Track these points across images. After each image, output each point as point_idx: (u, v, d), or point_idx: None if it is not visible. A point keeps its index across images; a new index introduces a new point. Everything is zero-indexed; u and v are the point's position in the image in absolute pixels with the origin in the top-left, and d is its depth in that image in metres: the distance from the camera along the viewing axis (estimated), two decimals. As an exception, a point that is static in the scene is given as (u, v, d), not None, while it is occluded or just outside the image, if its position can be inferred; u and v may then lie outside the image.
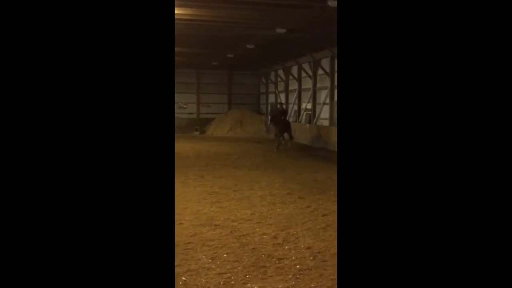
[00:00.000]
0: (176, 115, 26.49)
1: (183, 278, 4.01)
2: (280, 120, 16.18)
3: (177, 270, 4.20)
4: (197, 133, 24.74)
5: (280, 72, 23.34)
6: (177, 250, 4.81)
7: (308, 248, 4.93)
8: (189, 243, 5.07)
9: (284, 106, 17.96)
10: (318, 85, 19.17)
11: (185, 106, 26.54)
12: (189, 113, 26.55)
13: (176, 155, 13.55)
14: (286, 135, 16.19)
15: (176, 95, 26.29)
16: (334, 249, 4.78)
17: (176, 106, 26.62)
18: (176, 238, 5.21)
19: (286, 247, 4.96)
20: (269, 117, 16.67)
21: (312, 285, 3.92)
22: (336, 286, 3.70)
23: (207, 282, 3.95)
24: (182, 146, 16.84)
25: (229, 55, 19.24)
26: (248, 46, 16.00)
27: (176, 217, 6.24)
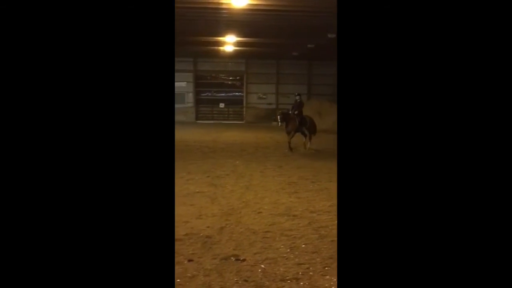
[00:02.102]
0: (255, 105, 26.83)
1: (262, 266, 4.07)
2: (292, 116, 13.25)
3: (255, 257, 4.27)
4: (276, 123, 24.85)
5: (362, 62, 22.72)
6: (256, 238, 4.89)
7: (389, 243, 4.78)
8: (267, 232, 5.12)
9: (301, 98, 14.04)
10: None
11: (264, 96, 26.77)
12: (268, 103, 26.74)
13: (255, 145, 13.73)
14: (306, 132, 13.44)
15: (256, 85, 26.63)
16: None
17: (255, 96, 26.96)
18: (255, 227, 5.30)
19: (366, 241, 4.85)
20: (279, 116, 13.44)
21: (393, 281, 3.79)
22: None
23: (285, 271, 3.97)
24: (261, 136, 17.02)
25: (309, 45, 19.05)
26: (329, 35, 15.73)
27: (255, 206, 6.34)
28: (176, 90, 26.02)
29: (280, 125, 13.37)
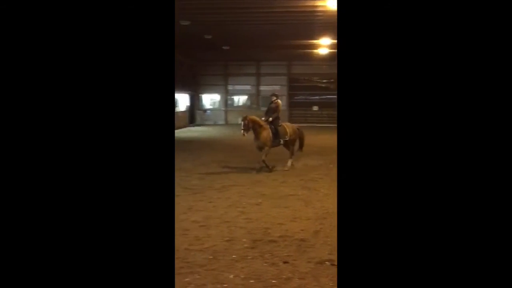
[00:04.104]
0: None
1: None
2: (263, 124, 9.56)
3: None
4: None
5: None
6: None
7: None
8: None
9: (277, 99, 10.16)
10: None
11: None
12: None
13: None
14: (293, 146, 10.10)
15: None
16: None
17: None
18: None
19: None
20: (242, 122, 9.50)
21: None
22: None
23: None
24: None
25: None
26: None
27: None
28: (266, 93, 26.41)
29: (245, 134, 9.42)
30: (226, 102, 26.63)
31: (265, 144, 9.47)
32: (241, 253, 4.50)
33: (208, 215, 6.00)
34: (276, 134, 9.60)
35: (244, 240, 4.92)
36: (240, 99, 27.11)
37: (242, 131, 9.41)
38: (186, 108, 24.34)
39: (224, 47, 19.33)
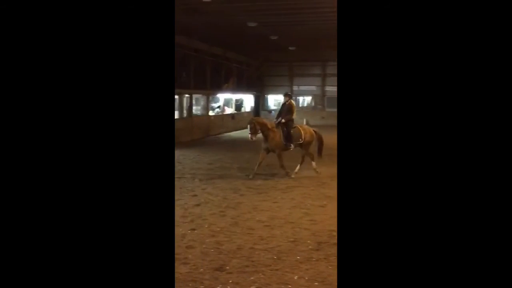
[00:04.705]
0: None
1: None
2: (272, 127, 8.88)
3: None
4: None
5: None
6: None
7: None
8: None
9: (291, 99, 9.32)
10: None
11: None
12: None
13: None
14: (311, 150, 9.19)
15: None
16: None
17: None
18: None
19: None
20: (249, 125, 8.90)
21: None
22: None
23: None
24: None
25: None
26: None
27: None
28: (332, 94, 26.15)
29: (253, 138, 8.85)
30: (291, 103, 26.65)
31: (276, 147, 8.86)
32: (306, 254, 4.50)
33: (273, 215, 6.05)
34: (288, 137, 8.84)
35: (309, 241, 4.91)
36: (305, 100, 26.99)
37: (249, 135, 8.81)
38: (251, 109, 24.62)
39: (290, 48, 19.35)
